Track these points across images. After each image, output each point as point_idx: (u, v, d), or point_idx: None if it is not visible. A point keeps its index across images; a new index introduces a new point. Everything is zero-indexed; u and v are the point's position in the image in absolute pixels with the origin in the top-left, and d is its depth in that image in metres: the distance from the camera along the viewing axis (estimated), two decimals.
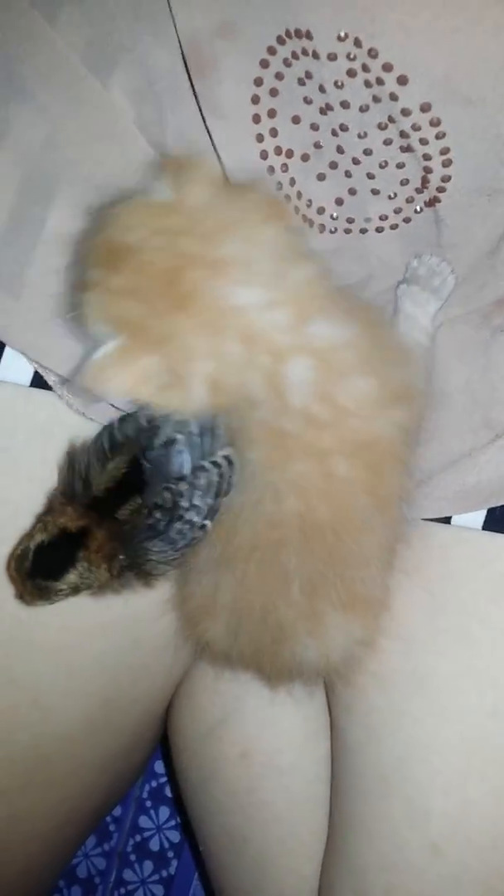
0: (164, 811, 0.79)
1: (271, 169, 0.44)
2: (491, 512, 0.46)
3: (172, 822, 0.79)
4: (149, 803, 0.79)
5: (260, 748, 0.54)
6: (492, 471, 0.45)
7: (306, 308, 0.38)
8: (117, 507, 0.41)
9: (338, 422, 0.39)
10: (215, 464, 0.41)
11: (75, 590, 0.41)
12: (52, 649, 0.49)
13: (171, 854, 0.78)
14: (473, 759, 0.45)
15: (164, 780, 0.79)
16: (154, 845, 0.79)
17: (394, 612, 0.46)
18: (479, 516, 0.46)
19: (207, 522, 0.42)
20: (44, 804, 0.53)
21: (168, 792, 0.79)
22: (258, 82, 0.41)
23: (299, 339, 0.38)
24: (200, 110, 0.42)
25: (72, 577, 0.41)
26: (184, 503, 0.41)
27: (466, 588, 0.47)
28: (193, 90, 0.42)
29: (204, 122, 0.42)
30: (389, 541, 0.44)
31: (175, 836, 0.78)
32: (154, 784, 0.79)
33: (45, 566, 0.41)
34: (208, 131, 0.42)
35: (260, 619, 0.43)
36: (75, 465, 0.42)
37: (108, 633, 0.51)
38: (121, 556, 0.41)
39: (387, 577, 0.44)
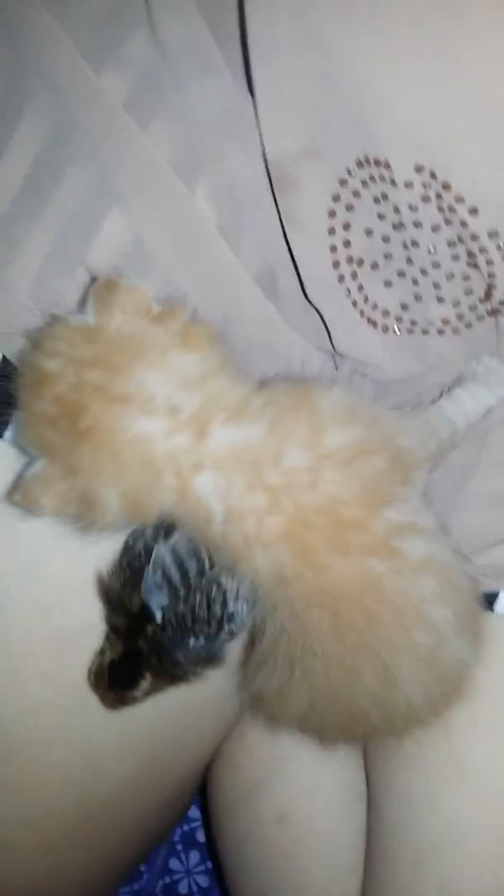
0: (195, 855, 0.81)
1: (342, 277, 0.46)
2: None
3: (202, 867, 0.80)
4: (180, 846, 0.81)
5: (298, 812, 0.56)
6: None
7: (205, 422, 0.40)
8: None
9: (280, 504, 0.40)
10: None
11: (151, 691, 0.46)
12: (106, 712, 0.51)
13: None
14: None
15: (196, 824, 0.81)
16: (183, 888, 0.80)
17: None
18: None
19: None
20: (85, 856, 0.55)
21: (200, 836, 0.81)
22: (336, 198, 0.44)
23: (200, 452, 0.40)
24: (280, 220, 0.45)
25: (144, 684, 0.46)
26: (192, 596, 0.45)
27: None
28: (275, 201, 0.44)
29: (283, 231, 0.45)
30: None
31: (204, 881, 0.80)
32: (186, 828, 0.81)
33: (120, 679, 0.46)
34: (286, 240, 0.45)
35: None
36: (111, 598, 0.46)
37: (159, 698, 0.53)
38: (176, 663, 0.46)
39: None
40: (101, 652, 0.46)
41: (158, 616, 0.46)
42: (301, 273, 0.45)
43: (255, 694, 0.47)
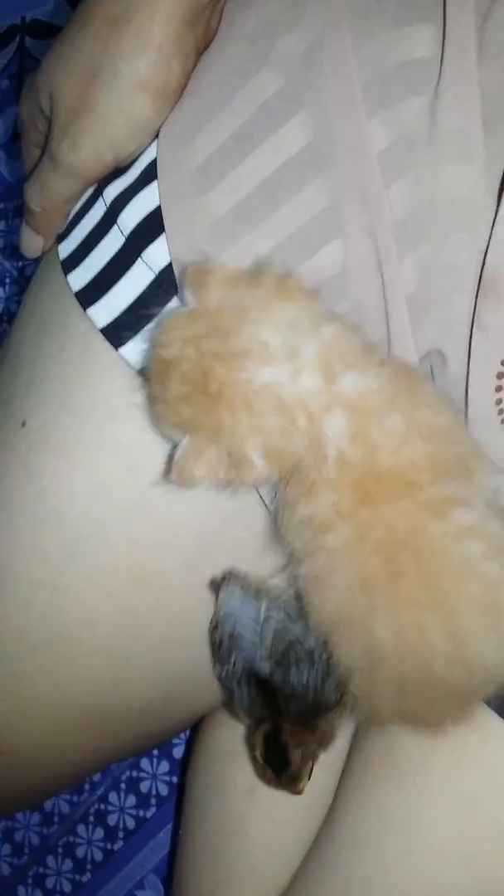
0: (165, 765, 0.89)
1: (499, 388, 0.48)
2: None
3: (167, 778, 0.88)
4: (155, 752, 0.89)
5: (266, 792, 0.61)
6: None
7: (331, 367, 0.43)
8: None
9: (367, 458, 0.43)
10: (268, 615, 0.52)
11: (312, 759, 0.52)
12: (149, 646, 0.57)
13: (154, 801, 0.89)
14: None
15: (178, 741, 0.88)
16: (144, 787, 0.89)
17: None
18: None
19: (312, 639, 0.50)
20: (85, 744, 0.62)
21: (177, 753, 0.88)
22: None
23: (330, 396, 0.43)
24: (472, 320, 0.47)
25: (296, 757, 0.51)
26: (279, 657, 0.51)
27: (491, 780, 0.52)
28: (476, 299, 0.47)
29: (470, 331, 0.47)
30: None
31: (164, 790, 0.88)
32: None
33: (279, 764, 0.51)
34: (470, 340, 0.47)
35: (420, 678, 0.45)
36: (235, 708, 0.54)
37: (196, 648, 0.58)
38: (312, 721, 0.51)
39: None
40: (253, 747, 0.53)
41: (266, 669, 0.52)
42: (469, 373, 0.48)
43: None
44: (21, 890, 0.92)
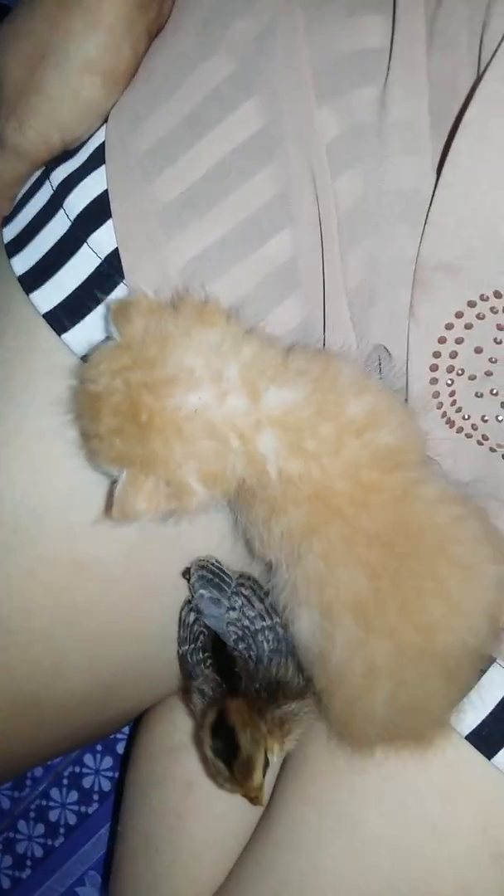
0: (108, 760, 0.88)
1: (434, 380, 0.48)
2: None
3: (110, 774, 0.88)
4: (99, 747, 0.88)
5: (205, 787, 0.61)
6: None
7: (254, 385, 0.43)
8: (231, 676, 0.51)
9: (310, 470, 0.43)
10: (238, 585, 0.52)
11: (264, 748, 0.50)
12: (89, 637, 0.56)
13: (96, 797, 0.88)
14: None
15: (122, 737, 0.88)
16: (87, 783, 0.88)
17: None
18: None
19: (276, 619, 0.51)
20: (21, 733, 0.61)
21: (119, 748, 0.88)
22: (458, 315, 0.46)
23: (258, 414, 0.43)
24: (411, 308, 0.47)
25: (245, 742, 0.49)
26: (247, 623, 0.51)
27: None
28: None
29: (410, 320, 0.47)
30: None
31: (106, 785, 0.88)
32: (112, 735, 0.88)
33: (229, 754, 0.49)
34: (409, 330, 0.47)
35: (422, 648, 0.45)
36: (191, 692, 0.53)
37: (138, 640, 0.58)
38: (262, 700, 0.51)
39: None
40: (202, 750, 0.51)
41: (232, 636, 0.52)
42: (409, 362, 0.48)
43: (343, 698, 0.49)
44: None
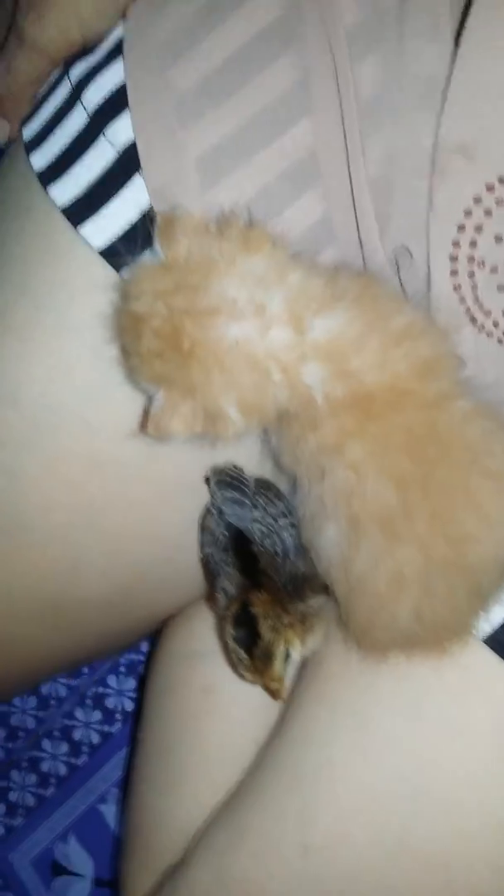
0: (131, 682, 0.89)
1: (455, 272, 0.47)
2: None
3: (132, 694, 0.89)
4: (123, 669, 0.89)
5: (222, 693, 0.62)
6: None
7: (300, 316, 0.43)
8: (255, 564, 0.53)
9: (354, 387, 0.43)
10: (256, 488, 0.53)
11: (285, 641, 0.51)
12: (107, 536, 0.57)
13: (119, 717, 0.89)
14: (371, 805, 0.52)
15: (143, 658, 0.89)
16: (110, 703, 0.89)
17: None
18: None
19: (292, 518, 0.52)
20: (40, 637, 0.62)
21: (142, 669, 0.89)
22: (476, 200, 0.45)
23: (303, 347, 0.43)
24: (429, 196, 0.46)
25: (266, 630, 0.50)
26: (271, 521, 0.52)
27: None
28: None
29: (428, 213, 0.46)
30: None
31: (130, 706, 0.89)
32: (134, 657, 0.89)
33: (251, 646, 0.50)
34: (428, 223, 0.47)
35: (452, 560, 0.45)
36: (214, 591, 0.54)
37: (156, 543, 0.59)
38: (287, 594, 0.51)
39: None
40: (224, 643, 0.52)
41: (257, 533, 0.53)
42: (430, 257, 0.47)
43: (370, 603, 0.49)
44: None
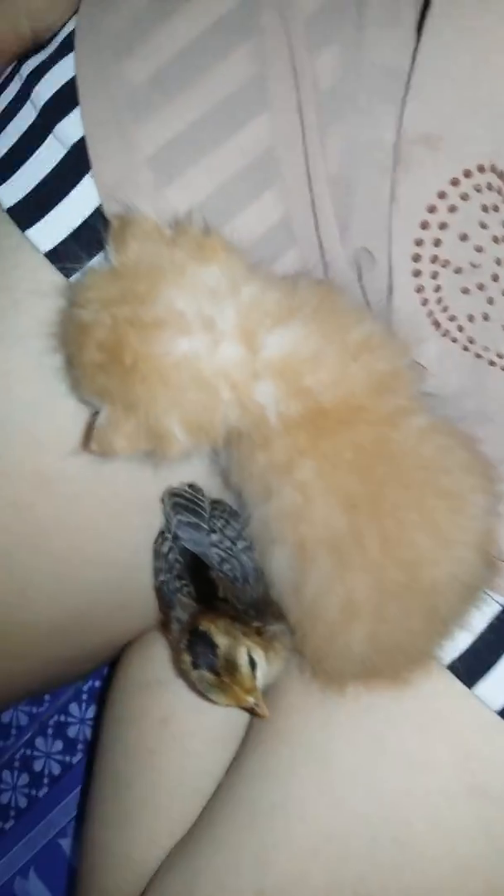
0: (94, 709, 0.86)
1: (418, 272, 0.45)
2: None
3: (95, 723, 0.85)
4: (85, 696, 0.86)
5: (180, 723, 0.59)
6: None
7: (253, 332, 0.40)
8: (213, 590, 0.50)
9: (311, 407, 0.41)
10: (212, 510, 0.52)
11: (241, 646, 0.47)
12: (55, 559, 0.54)
13: (81, 746, 0.85)
14: (330, 846, 0.48)
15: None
16: (72, 732, 0.86)
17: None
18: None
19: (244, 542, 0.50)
20: None
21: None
22: (441, 195, 0.43)
23: (255, 364, 0.40)
24: (391, 190, 0.44)
25: (221, 641, 0.47)
26: (229, 545, 0.50)
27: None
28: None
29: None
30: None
31: (91, 735, 0.85)
32: (97, 684, 0.86)
33: (212, 663, 0.47)
34: (389, 220, 0.44)
35: (407, 584, 0.43)
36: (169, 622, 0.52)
37: (108, 566, 0.56)
38: (247, 618, 0.48)
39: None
40: (182, 663, 0.49)
41: (215, 558, 0.50)
42: (392, 252, 0.45)
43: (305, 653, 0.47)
44: None
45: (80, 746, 0.85)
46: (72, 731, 0.86)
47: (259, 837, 0.50)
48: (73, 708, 0.86)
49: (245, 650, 0.47)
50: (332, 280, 0.49)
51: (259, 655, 0.48)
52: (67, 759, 0.85)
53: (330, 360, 0.41)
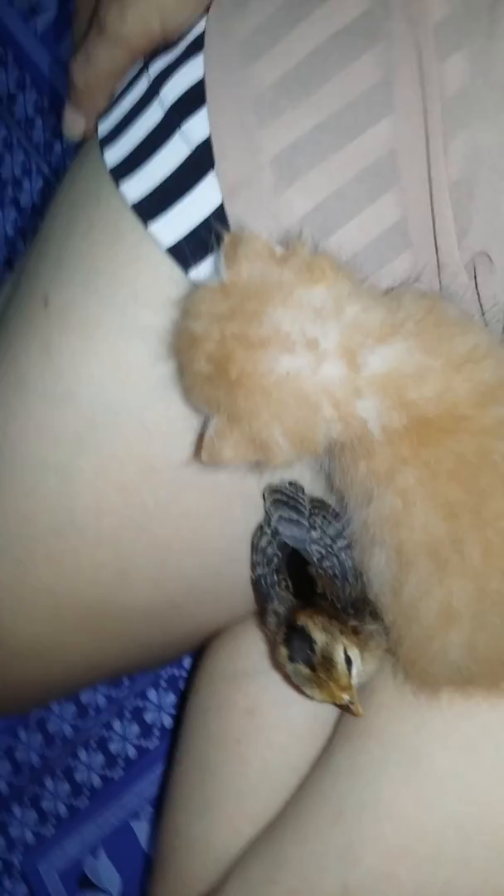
0: (172, 697, 0.87)
1: None
2: None
3: (172, 711, 0.87)
4: (164, 684, 0.87)
5: (266, 716, 0.60)
6: None
7: (354, 351, 0.41)
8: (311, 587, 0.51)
9: (414, 418, 0.41)
10: (312, 508, 0.51)
11: (339, 644, 0.48)
12: (157, 544, 0.55)
13: (157, 732, 0.87)
14: (420, 848, 0.49)
15: (184, 673, 0.87)
16: (149, 717, 0.87)
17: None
18: None
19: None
20: (81, 643, 0.60)
21: (183, 685, 0.87)
22: None
23: (357, 382, 0.41)
24: None
25: (321, 636, 0.48)
26: (329, 542, 0.50)
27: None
28: None
29: None
30: None
31: (168, 722, 0.87)
32: (176, 672, 0.87)
33: (309, 658, 0.48)
34: None
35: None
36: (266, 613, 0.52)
37: (206, 554, 0.57)
38: (346, 616, 0.49)
39: None
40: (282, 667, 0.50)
41: (315, 555, 0.51)
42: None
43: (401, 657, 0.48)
44: (16, 809, 0.91)
45: (156, 732, 0.87)
46: (149, 717, 0.87)
47: (346, 833, 0.50)
48: (152, 694, 0.87)
49: (342, 647, 0.48)
50: (440, 290, 0.49)
51: (355, 654, 0.48)
52: (143, 743, 0.87)
53: (433, 374, 0.42)
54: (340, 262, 0.43)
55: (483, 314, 0.49)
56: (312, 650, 0.48)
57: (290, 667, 0.49)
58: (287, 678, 0.50)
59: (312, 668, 0.48)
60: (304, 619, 0.48)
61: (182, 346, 0.43)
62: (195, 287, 0.44)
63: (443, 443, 0.42)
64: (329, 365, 0.41)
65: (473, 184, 0.46)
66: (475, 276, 0.49)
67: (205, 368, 0.42)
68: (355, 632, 0.48)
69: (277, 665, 0.51)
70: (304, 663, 0.48)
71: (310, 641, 0.47)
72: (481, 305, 0.50)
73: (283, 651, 0.49)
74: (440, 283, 0.50)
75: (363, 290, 0.43)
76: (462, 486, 0.42)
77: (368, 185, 0.48)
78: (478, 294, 0.49)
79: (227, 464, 0.43)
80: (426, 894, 0.48)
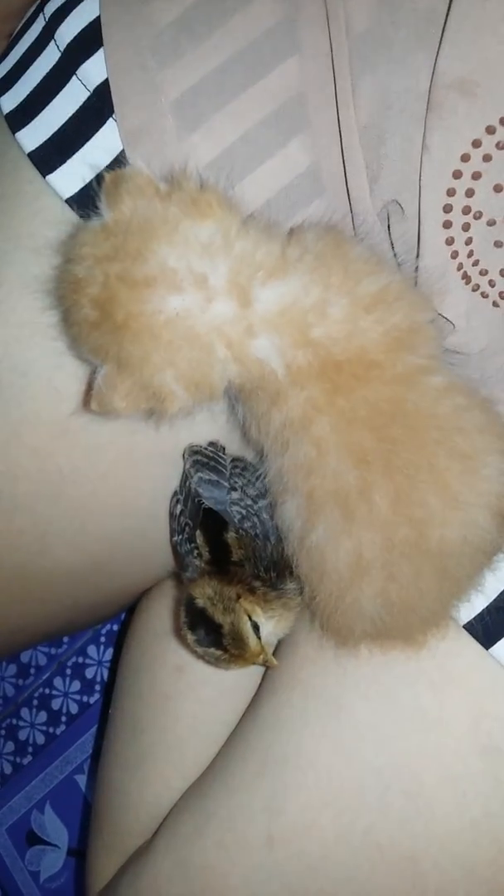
0: (111, 652, 0.87)
1: (449, 224, 0.44)
2: None
3: (112, 665, 0.87)
4: (103, 639, 0.87)
5: (194, 671, 0.60)
6: None
7: (246, 286, 0.39)
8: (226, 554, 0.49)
9: (323, 359, 0.40)
10: (233, 468, 0.50)
11: (243, 618, 0.47)
12: (75, 506, 0.54)
13: (98, 688, 0.87)
14: (340, 797, 0.49)
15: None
16: (89, 673, 0.88)
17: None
18: None
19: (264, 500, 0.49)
20: (10, 607, 0.60)
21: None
22: (475, 144, 0.42)
23: (249, 319, 0.39)
24: (423, 138, 0.42)
25: (222, 620, 0.47)
26: (250, 503, 0.49)
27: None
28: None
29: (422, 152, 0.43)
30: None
31: (109, 676, 0.87)
32: (115, 627, 0.87)
33: (219, 639, 0.48)
34: (420, 169, 0.43)
35: (416, 543, 0.42)
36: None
37: (127, 515, 0.56)
38: (267, 576, 0.49)
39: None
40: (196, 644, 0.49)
41: (236, 516, 0.50)
42: (422, 198, 0.44)
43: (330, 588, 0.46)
44: None
45: (97, 687, 0.87)
46: (89, 673, 0.87)
47: (271, 785, 0.51)
48: (92, 650, 0.87)
49: (246, 619, 0.47)
50: (348, 229, 0.47)
51: (258, 615, 0.48)
52: (85, 699, 0.87)
53: (338, 312, 0.40)
54: (228, 198, 0.41)
55: (398, 265, 0.48)
56: (220, 633, 0.47)
57: (199, 650, 0.48)
58: (197, 656, 0.50)
59: (224, 649, 0.48)
60: (199, 599, 0.47)
61: (65, 292, 0.41)
62: (76, 228, 0.42)
63: (356, 391, 0.41)
64: (219, 303, 0.39)
65: (383, 129, 0.45)
66: (388, 225, 0.48)
67: (90, 314, 0.39)
68: (252, 591, 0.48)
69: (185, 645, 0.50)
70: (213, 647, 0.48)
71: (214, 624, 0.47)
72: (395, 255, 0.49)
73: (190, 637, 0.48)
74: (354, 231, 0.48)
75: (256, 225, 0.41)
76: (374, 435, 0.41)
77: (277, 130, 0.46)
78: (391, 243, 0.48)
79: (120, 414, 0.40)
80: (347, 842, 0.48)
